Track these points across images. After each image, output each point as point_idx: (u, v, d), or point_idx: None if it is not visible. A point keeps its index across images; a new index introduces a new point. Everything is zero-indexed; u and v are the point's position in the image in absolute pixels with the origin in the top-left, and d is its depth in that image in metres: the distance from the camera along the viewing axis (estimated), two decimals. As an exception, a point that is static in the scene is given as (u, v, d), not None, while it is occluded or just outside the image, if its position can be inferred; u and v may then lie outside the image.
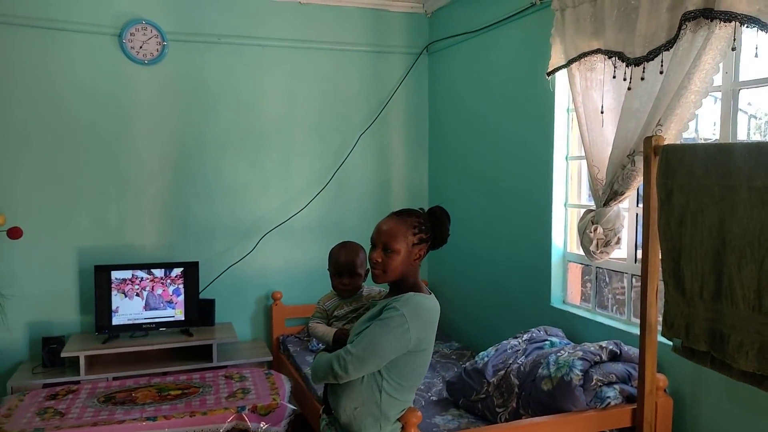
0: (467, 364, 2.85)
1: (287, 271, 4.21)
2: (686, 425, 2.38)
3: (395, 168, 4.47)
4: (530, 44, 3.27)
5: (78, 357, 3.39)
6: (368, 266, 1.99)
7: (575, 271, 3.24)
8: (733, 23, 2.04)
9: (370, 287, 2.27)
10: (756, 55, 2.09)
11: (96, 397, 2.95)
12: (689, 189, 2.03)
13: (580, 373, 2.34)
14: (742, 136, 2.38)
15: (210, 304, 3.85)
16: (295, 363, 3.60)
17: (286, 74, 4.12)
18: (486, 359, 2.76)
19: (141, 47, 3.76)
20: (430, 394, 2.96)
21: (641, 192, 2.44)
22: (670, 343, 2.18)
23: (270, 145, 4.13)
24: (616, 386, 2.37)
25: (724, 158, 1.91)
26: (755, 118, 2.87)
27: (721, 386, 2.25)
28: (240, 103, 4.03)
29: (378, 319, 1.82)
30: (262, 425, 2.81)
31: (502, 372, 2.63)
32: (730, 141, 2.30)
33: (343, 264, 2.15)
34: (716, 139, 2.40)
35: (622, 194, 2.59)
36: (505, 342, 2.88)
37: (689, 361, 2.19)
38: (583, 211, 2.86)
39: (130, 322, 3.62)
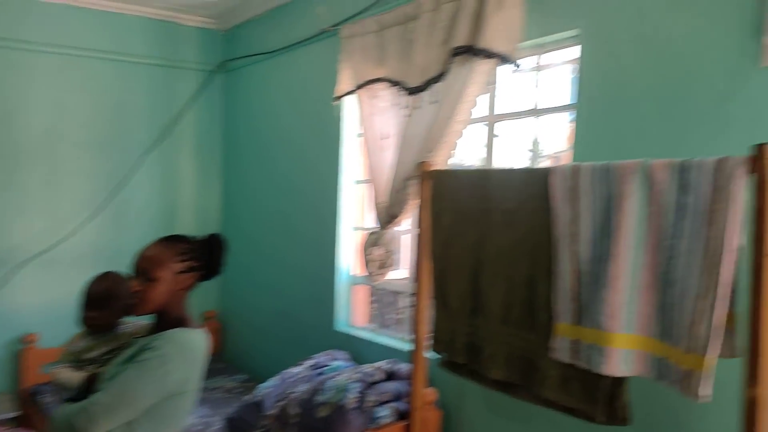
0: (247, 397, 2.71)
1: (49, 309, 3.64)
2: (452, 435, 2.51)
3: (185, 191, 4.21)
4: (323, 68, 3.32)
5: None
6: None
7: (361, 294, 3.30)
8: (492, 60, 2.25)
9: (136, 323, 2.01)
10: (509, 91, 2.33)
11: None
12: (454, 212, 2.17)
13: (355, 396, 2.34)
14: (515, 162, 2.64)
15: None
16: (48, 417, 3.12)
17: (56, 84, 3.68)
18: (268, 390, 2.65)
19: None
20: (208, 433, 2.77)
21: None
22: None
23: (30, 163, 3.63)
24: (390, 405, 2.42)
25: (482, 183, 2.08)
26: (519, 146, 3.21)
27: (480, 397, 2.41)
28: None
29: (135, 361, 1.60)
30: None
31: (283, 402, 2.54)
32: (490, 167, 2.53)
33: (89, 294, 1.87)
34: (482, 165, 2.63)
35: (399, 217, 2.70)
36: (288, 370, 2.80)
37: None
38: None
39: None
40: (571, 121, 2.25)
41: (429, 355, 2.37)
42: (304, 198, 3.51)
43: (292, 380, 2.67)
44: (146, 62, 3.97)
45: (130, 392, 1.56)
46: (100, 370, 1.77)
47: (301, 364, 2.83)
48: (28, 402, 3.45)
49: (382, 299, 3.21)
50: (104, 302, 1.85)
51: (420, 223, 2.32)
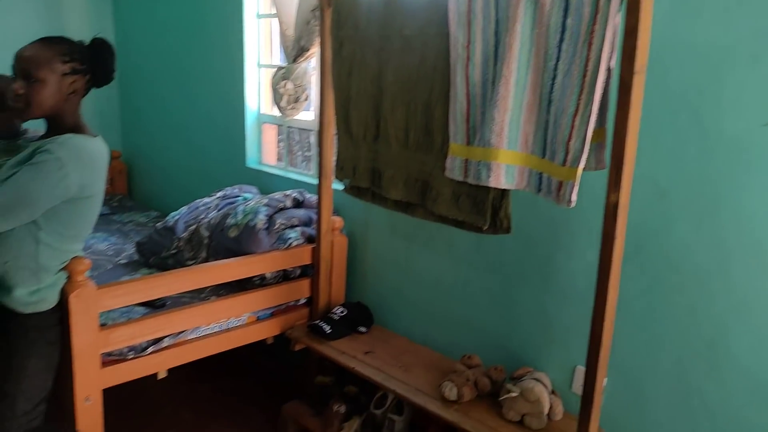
0: (158, 224, 2.78)
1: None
2: (358, 257, 2.72)
3: (71, 16, 3.88)
4: None
5: None
6: None
7: (270, 132, 3.33)
8: None
9: (36, 130, 1.95)
10: None
11: None
12: (356, 40, 2.18)
13: (264, 218, 2.47)
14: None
15: None
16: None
17: None
18: (177, 217, 2.72)
19: None
20: (119, 258, 2.84)
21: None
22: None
23: None
24: (298, 229, 2.57)
25: (382, 10, 2.08)
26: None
27: (384, 223, 2.60)
28: None
29: (29, 164, 1.61)
30: None
31: (193, 227, 2.64)
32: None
33: None
34: None
35: (309, 50, 2.67)
36: (198, 200, 2.87)
37: (361, 205, 2.49)
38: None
39: None
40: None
41: (335, 185, 2.50)
42: (207, 34, 3.36)
43: (202, 208, 2.75)
44: None
45: (27, 194, 1.58)
46: None
47: (211, 196, 2.90)
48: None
49: (288, 137, 3.25)
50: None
51: (323, 54, 2.33)
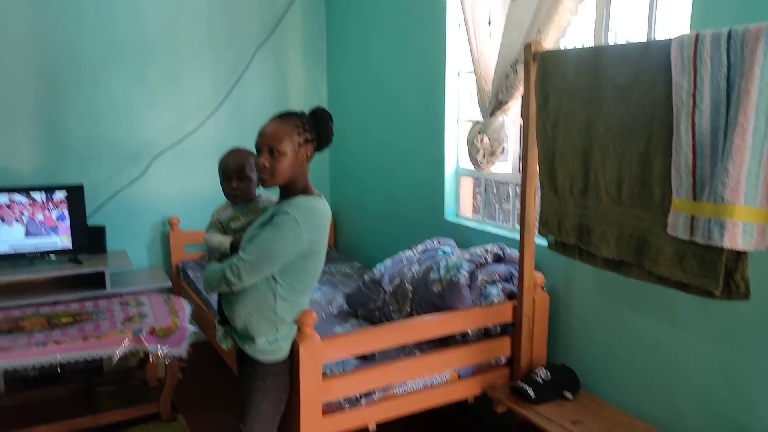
0: (365, 276, 2.93)
1: (183, 196, 4.06)
2: (560, 316, 2.59)
3: (294, 86, 4.37)
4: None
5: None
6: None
7: (467, 185, 3.36)
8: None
9: (268, 196, 2.22)
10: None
11: (-23, 330, 2.79)
12: (563, 92, 2.13)
13: (466, 274, 2.47)
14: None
15: (100, 231, 3.67)
16: (195, 288, 3.55)
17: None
18: (383, 270, 2.85)
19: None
20: (330, 308, 3.04)
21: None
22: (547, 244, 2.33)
23: (156, 59, 3.87)
24: (499, 284, 2.53)
25: (593, 60, 2.01)
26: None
27: (589, 281, 2.44)
28: (118, 11, 3.72)
29: (270, 224, 1.83)
30: (161, 348, 2.78)
31: (398, 280, 2.73)
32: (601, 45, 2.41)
33: (232, 168, 2.09)
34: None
35: (506, 104, 2.68)
36: (401, 253, 2.98)
37: (563, 260, 2.37)
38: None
39: (13, 251, 3.40)
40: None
41: (537, 240, 2.42)
42: (409, 92, 3.53)
43: (405, 262, 2.85)
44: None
45: (270, 251, 1.80)
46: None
47: (413, 249, 2.99)
48: (177, 275, 3.98)
49: (486, 190, 3.25)
50: (242, 174, 2.07)
51: (526, 107, 2.31)
